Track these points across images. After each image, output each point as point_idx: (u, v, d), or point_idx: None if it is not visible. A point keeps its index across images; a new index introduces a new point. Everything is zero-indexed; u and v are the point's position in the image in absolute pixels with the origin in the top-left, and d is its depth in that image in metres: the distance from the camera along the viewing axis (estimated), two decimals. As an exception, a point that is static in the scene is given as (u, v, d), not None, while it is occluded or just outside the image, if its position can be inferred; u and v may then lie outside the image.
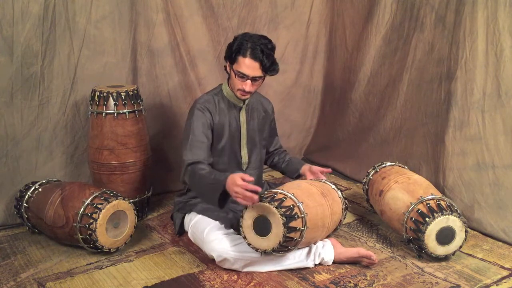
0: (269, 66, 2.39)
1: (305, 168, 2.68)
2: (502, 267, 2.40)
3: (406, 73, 3.32)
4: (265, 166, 2.88)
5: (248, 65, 2.37)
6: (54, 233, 2.52)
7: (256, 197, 2.11)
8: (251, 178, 2.16)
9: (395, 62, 3.45)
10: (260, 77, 2.42)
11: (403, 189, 2.58)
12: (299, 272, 2.34)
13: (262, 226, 2.16)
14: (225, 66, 2.52)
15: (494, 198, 2.74)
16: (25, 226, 2.73)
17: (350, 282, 2.26)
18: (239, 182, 2.11)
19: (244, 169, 2.64)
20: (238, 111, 2.59)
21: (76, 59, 2.92)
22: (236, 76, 2.41)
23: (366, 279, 2.28)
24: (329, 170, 2.64)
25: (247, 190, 2.10)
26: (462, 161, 2.87)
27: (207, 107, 2.51)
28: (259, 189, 2.13)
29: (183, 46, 3.31)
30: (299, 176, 2.71)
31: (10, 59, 2.72)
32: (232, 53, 2.40)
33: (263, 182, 2.82)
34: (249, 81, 2.41)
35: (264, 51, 2.36)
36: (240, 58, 2.38)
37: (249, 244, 2.21)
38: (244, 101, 2.58)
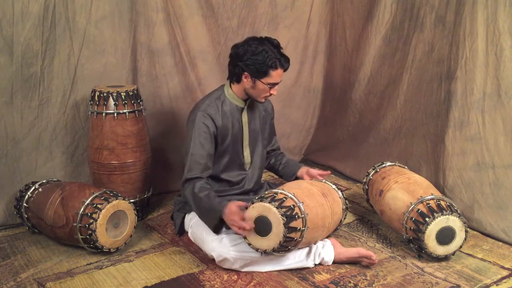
0: None
1: (302, 170, 2.68)
2: (502, 267, 2.41)
3: (406, 73, 3.32)
4: (263, 167, 2.89)
5: (279, 74, 2.44)
6: (54, 233, 2.52)
7: (248, 226, 2.16)
8: (245, 204, 2.23)
9: (395, 62, 3.44)
10: None
11: (403, 189, 2.58)
12: (299, 272, 2.34)
13: (262, 226, 2.16)
14: (238, 76, 2.47)
15: (494, 198, 2.74)
16: (25, 226, 2.73)
17: (350, 282, 2.26)
18: (236, 215, 2.19)
19: (246, 169, 2.65)
20: (240, 112, 2.59)
21: (76, 59, 2.92)
22: (268, 86, 2.45)
23: (366, 279, 2.28)
24: (328, 172, 2.63)
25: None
26: (462, 161, 2.87)
27: (209, 112, 2.49)
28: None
29: (183, 46, 3.31)
30: (296, 179, 2.70)
31: (10, 59, 2.72)
32: (267, 69, 2.40)
33: (263, 182, 2.82)
34: (276, 86, 2.48)
35: (287, 57, 2.44)
36: (272, 71, 2.41)
37: (249, 244, 2.21)
38: (245, 101, 2.58)
